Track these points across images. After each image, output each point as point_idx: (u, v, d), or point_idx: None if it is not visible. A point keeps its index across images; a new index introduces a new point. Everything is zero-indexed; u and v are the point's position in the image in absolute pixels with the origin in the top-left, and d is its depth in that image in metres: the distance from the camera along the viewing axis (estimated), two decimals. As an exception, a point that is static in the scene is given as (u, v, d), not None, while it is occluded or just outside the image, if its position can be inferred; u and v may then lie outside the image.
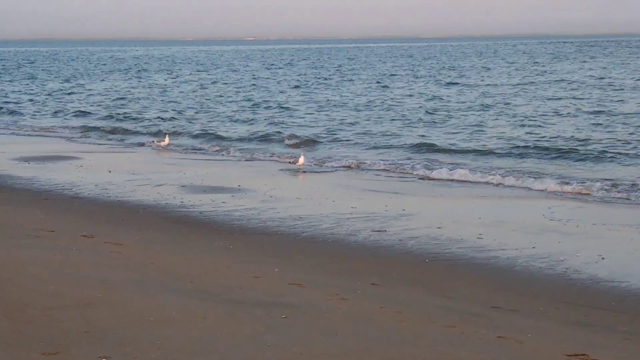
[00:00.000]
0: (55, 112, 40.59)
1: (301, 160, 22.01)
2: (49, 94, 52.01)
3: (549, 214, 15.54)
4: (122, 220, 14.37)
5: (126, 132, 32.06)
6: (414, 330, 8.12)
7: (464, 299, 10.01)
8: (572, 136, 27.33)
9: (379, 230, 13.83)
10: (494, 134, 28.85)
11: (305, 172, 21.59)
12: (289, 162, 22.73)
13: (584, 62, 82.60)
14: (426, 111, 37.21)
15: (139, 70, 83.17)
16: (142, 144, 28.29)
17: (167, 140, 27.07)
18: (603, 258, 12.08)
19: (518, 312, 9.53)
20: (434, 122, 33.17)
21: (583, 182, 18.94)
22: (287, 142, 27.87)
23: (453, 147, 25.76)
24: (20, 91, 54.70)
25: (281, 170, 21.97)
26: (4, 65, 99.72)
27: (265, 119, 35.38)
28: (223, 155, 25.65)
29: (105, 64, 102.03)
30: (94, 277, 9.32)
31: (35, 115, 39.56)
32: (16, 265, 9.65)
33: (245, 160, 24.27)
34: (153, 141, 27.96)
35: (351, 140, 28.26)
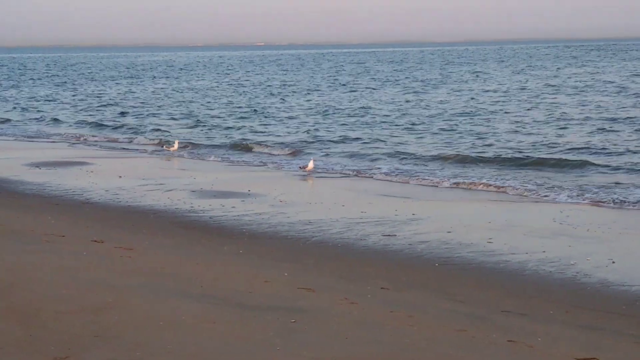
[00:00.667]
0: (38, 118, 40.63)
1: (310, 165, 22.04)
2: (35, 100, 52.43)
3: (560, 218, 15.50)
4: (132, 225, 14.41)
5: (113, 140, 32.05)
6: (424, 335, 8.11)
7: (475, 303, 10.00)
8: (569, 142, 27.34)
9: (389, 235, 13.83)
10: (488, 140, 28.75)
11: (314, 177, 21.60)
12: (299, 168, 22.75)
13: (584, 65, 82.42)
14: (401, 114, 37.33)
15: (131, 77, 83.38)
16: (133, 150, 28.36)
17: (176, 145, 27.13)
18: (613, 262, 12.05)
19: (528, 316, 9.51)
20: (413, 127, 33.14)
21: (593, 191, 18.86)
22: (276, 152, 27.50)
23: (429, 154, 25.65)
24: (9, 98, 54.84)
25: (291, 175, 21.99)
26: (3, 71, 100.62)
27: (245, 126, 35.19)
28: (231, 160, 25.67)
29: (101, 70, 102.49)
30: (105, 282, 9.35)
31: (17, 122, 39.61)
32: (27, 270, 9.69)
33: (255, 166, 24.29)
34: (162, 146, 28.03)
35: (331, 148, 27.87)
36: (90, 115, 41.52)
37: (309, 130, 32.82)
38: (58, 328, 7.52)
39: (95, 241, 12.23)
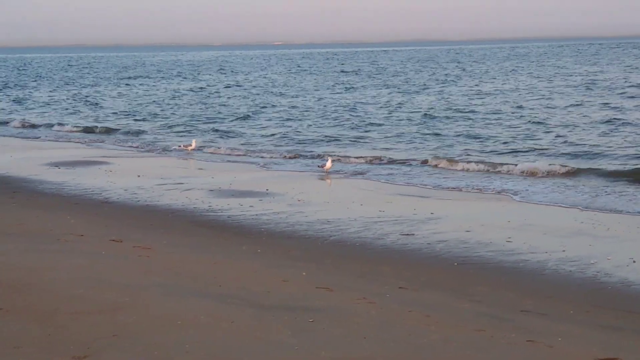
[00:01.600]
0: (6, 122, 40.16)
1: (329, 164, 22.03)
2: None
3: (579, 217, 15.39)
4: (150, 225, 14.44)
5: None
6: (443, 335, 8.07)
7: (493, 302, 9.94)
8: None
9: (407, 234, 13.78)
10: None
11: (332, 176, 21.57)
12: (317, 167, 22.74)
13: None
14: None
15: (121, 77, 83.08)
16: (150, 150, 28.46)
17: (193, 144, 27.15)
18: (634, 261, 11.94)
19: (548, 316, 9.44)
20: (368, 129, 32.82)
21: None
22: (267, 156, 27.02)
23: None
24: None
25: (309, 174, 21.98)
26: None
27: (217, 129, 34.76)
28: (251, 159, 25.69)
29: (85, 71, 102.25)
30: (123, 282, 9.37)
31: None
32: (46, 269, 9.73)
33: (274, 165, 24.28)
34: (179, 145, 28.07)
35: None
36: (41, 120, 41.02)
37: (287, 133, 32.63)
38: (76, 328, 7.54)
39: (114, 240, 12.28)
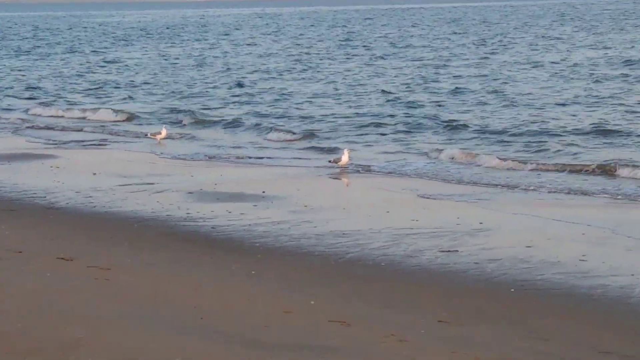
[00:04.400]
0: None
1: (345, 158, 21.60)
2: None
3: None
4: (110, 238, 14.51)
5: None
6: (496, 382, 8.11)
7: (562, 340, 9.96)
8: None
9: (449, 251, 13.81)
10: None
11: (349, 173, 21.50)
12: (329, 161, 22.48)
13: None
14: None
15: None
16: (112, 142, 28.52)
17: (164, 132, 27.15)
18: None
19: (636, 358, 9.46)
20: None
21: None
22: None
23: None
24: None
25: (318, 171, 21.90)
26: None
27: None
28: (241, 151, 25.68)
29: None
30: (76, 312, 9.43)
31: None
32: (-25, 296, 9.79)
33: (269, 158, 24.24)
34: (146, 134, 28.02)
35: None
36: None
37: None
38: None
39: (63, 259, 12.33)
